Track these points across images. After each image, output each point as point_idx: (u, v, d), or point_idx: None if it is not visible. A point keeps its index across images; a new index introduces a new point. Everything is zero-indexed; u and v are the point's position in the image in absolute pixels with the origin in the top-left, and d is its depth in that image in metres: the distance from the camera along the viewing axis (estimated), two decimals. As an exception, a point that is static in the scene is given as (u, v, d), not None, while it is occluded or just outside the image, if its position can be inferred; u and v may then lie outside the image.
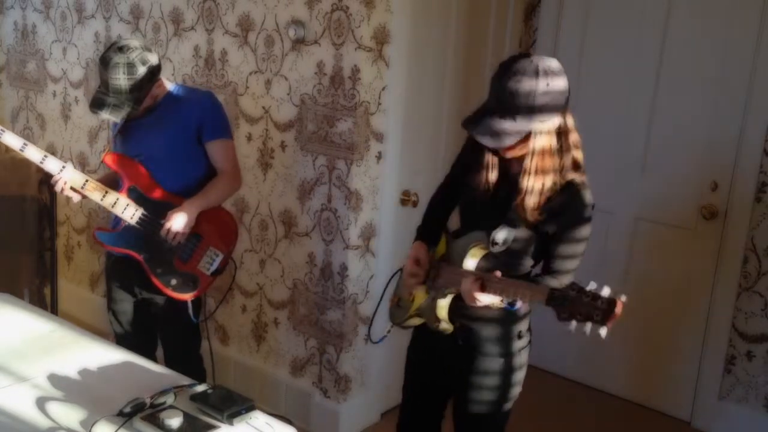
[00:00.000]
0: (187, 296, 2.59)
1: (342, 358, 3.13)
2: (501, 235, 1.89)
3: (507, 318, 2.05)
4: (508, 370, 2.09)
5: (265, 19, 3.13)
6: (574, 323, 1.63)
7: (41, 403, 1.86)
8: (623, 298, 1.59)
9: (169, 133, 2.57)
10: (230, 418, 1.76)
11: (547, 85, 1.79)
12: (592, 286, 1.60)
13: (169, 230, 2.49)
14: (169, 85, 2.64)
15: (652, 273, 3.51)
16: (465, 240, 2.00)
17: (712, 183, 3.27)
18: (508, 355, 2.07)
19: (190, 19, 3.41)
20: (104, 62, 2.43)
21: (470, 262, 1.95)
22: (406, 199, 3.17)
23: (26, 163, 3.43)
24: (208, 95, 2.68)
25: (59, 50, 4.13)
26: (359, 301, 3.12)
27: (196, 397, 1.84)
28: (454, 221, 2.19)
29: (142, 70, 2.44)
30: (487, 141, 1.84)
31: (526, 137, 1.84)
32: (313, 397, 3.24)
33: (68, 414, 1.81)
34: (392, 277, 2.31)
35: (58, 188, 2.53)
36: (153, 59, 2.49)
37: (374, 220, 3.10)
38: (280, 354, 3.35)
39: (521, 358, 2.11)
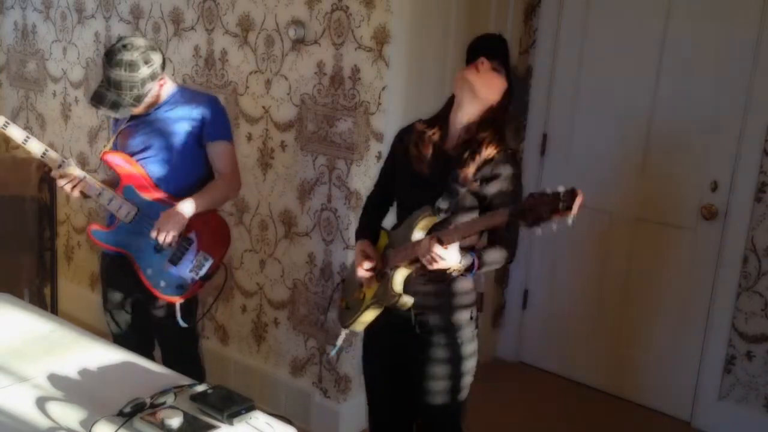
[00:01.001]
0: (176, 299, 2.58)
1: (342, 358, 3.13)
2: (444, 201, 1.99)
3: (456, 304, 2.11)
4: (459, 358, 2.14)
5: (265, 19, 3.13)
6: (540, 227, 1.70)
7: (41, 403, 1.86)
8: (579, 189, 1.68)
9: (171, 133, 2.57)
10: (230, 418, 1.76)
11: None
12: (548, 190, 1.69)
13: (159, 230, 2.47)
14: (174, 86, 2.64)
15: (652, 273, 3.51)
16: (410, 218, 2.07)
17: (712, 183, 3.27)
18: (459, 342, 2.13)
19: (190, 19, 3.41)
20: (108, 57, 2.45)
21: (419, 234, 2.01)
22: (406, 199, 3.17)
23: (26, 163, 3.43)
24: (212, 98, 2.69)
25: (59, 50, 4.13)
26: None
27: (196, 397, 1.84)
28: (388, 222, 2.28)
29: (144, 69, 2.44)
30: None
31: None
32: (313, 397, 3.24)
33: (68, 414, 1.81)
34: (336, 287, 2.40)
35: (60, 184, 2.53)
36: (157, 59, 2.50)
37: (374, 220, 3.10)
38: (280, 354, 3.35)
39: (473, 346, 2.17)
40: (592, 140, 3.62)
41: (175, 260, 2.55)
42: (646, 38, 3.38)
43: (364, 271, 2.15)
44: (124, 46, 2.45)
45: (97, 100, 2.47)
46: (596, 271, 3.67)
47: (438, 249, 1.86)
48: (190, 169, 2.62)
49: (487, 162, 2.03)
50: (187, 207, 2.51)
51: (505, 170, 2.05)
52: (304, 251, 3.17)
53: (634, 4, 3.41)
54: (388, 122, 3.02)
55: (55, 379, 1.98)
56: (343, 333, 2.29)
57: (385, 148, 3.04)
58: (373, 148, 2.98)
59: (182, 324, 2.59)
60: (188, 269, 2.55)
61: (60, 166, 2.52)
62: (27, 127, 4.35)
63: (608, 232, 3.61)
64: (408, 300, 2.06)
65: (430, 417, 2.23)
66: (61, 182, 2.53)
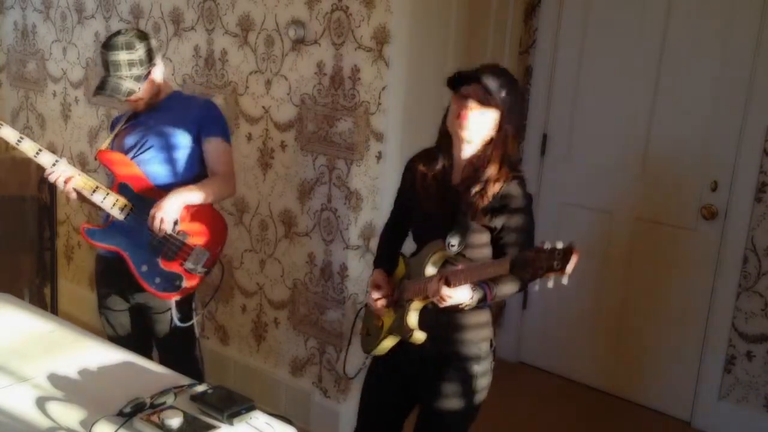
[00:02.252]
0: (172, 296, 2.56)
1: (342, 358, 3.13)
2: (455, 236, 1.97)
3: (471, 327, 2.09)
4: (473, 378, 2.11)
5: (265, 19, 3.13)
6: (538, 282, 1.70)
7: (41, 403, 1.86)
8: (576, 246, 1.67)
9: (167, 133, 2.57)
10: (230, 418, 1.76)
11: None
12: (547, 245, 1.68)
13: (154, 216, 2.46)
14: (172, 88, 2.68)
15: (652, 273, 3.51)
16: (422, 252, 2.06)
17: (712, 183, 3.27)
18: (474, 361, 2.10)
19: (190, 19, 3.41)
20: (105, 45, 2.53)
21: (431, 269, 2.01)
22: (406, 199, 3.17)
23: (26, 163, 3.43)
24: (209, 101, 2.73)
25: (59, 50, 4.14)
26: (359, 301, 3.12)
27: (196, 397, 1.84)
28: (408, 248, 2.25)
29: (140, 46, 2.52)
30: None
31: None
32: (313, 397, 3.24)
33: (68, 414, 1.81)
34: (358, 312, 2.38)
35: (52, 179, 2.54)
36: (151, 40, 2.59)
37: (374, 220, 3.10)
38: (280, 354, 3.35)
39: (486, 379, 2.15)
40: (592, 140, 3.62)
41: (170, 256, 2.54)
42: (646, 38, 3.38)
43: (376, 303, 2.15)
44: (119, 32, 2.56)
45: (99, 87, 2.52)
46: (596, 271, 3.67)
47: (446, 290, 1.86)
48: (186, 169, 2.62)
49: (491, 195, 1.99)
50: (181, 194, 2.51)
51: (514, 202, 2.00)
52: (304, 251, 3.17)
53: (634, 4, 3.41)
54: (388, 122, 3.02)
55: (55, 379, 1.98)
56: (365, 357, 2.30)
57: (385, 147, 3.05)
58: (373, 148, 2.98)
59: (178, 323, 2.59)
60: (184, 264, 2.54)
61: (53, 166, 2.53)
62: (27, 127, 4.35)
63: (608, 232, 3.61)
64: (421, 336, 2.05)
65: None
66: (52, 177, 2.54)
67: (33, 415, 1.81)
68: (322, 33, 2.95)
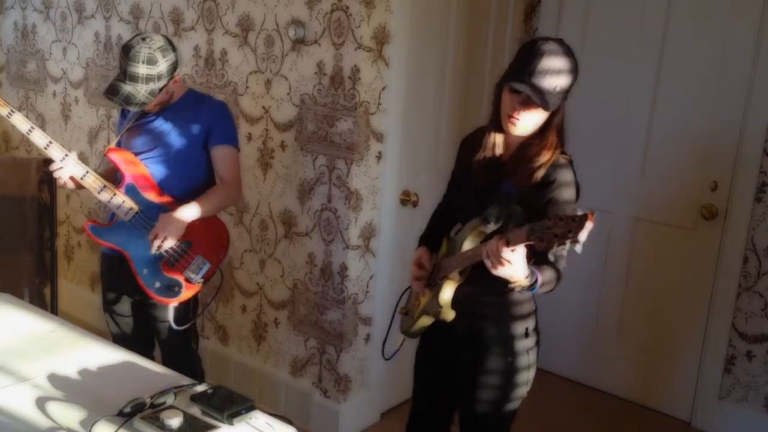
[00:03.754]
0: (170, 301, 2.57)
1: (342, 358, 3.13)
2: (493, 213, 1.92)
3: (513, 315, 2.06)
4: (513, 370, 2.08)
5: (265, 19, 3.13)
6: (554, 249, 1.66)
7: (41, 403, 1.86)
8: (594, 214, 1.63)
9: (176, 135, 2.57)
10: (230, 418, 1.76)
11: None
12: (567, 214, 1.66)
13: (157, 235, 2.46)
14: (185, 88, 2.65)
15: (652, 273, 3.51)
16: (462, 230, 2.03)
17: (712, 183, 3.27)
18: (513, 354, 2.07)
19: (190, 19, 3.41)
20: (126, 50, 2.44)
21: (468, 245, 1.97)
22: (406, 198, 3.17)
23: (26, 163, 3.43)
24: (221, 104, 2.69)
25: (59, 50, 4.13)
26: (359, 301, 3.12)
27: (196, 397, 1.84)
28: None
29: (162, 63, 2.44)
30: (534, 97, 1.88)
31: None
32: (313, 397, 3.24)
33: (68, 414, 1.81)
34: (403, 293, 2.35)
35: (57, 175, 2.53)
36: (174, 55, 2.51)
37: (374, 220, 3.10)
38: (280, 354, 3.35)
39: (528, 359, 2.10)
40: (592, 140, 3.61)
41: (171, 263, 2.54)
42: (646, 38, 3.38)
43: (416, 282, 2.15)
44: (143, 39, 2.46)
45: (112, 92, 2.47)
46: (596, 271, 3.67)
47: (506, 252, 1.76)
48: (193, 173, 2.61)
49: (540, 168, 1.95)
50: (186, 213, 2.50)
51: (561, 176, 1.95)
52: (304, 251, 3.17)
53: (634, 4, 3.41)
54: (388, 122, 3.02)
55: (55, 379, 1.98)
56: (402, 338, 2.29)
57: (385, 148, 3.05)
58: (373, 148, 2.98)
59: (174, 327, 2.58)
60: (184, 272, 2.54)
61: (63, 160, 2.51)
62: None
63: (608, 232, 3.61)
64: (450, 314, 2.04)
65: (477, 426, 2.18)
66: (59, 174, 2.52)
67: (33, 415, 1.81)
68: (322, 33, 2.95)
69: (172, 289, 2.55)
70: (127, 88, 2.45)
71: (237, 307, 3.48)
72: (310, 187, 3.10)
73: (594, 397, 3.70)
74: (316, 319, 3.18)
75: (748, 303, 3.24)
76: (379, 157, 3.03)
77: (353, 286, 3.08)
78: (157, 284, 2.55)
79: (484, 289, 2.02)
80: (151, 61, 2.42)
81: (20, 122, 2.52)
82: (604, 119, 3.56)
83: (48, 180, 3.34)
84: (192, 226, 2.52)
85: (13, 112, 2.51)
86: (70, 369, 2.04)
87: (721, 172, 3.25)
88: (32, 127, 2.52)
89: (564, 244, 1.62)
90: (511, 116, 1.93)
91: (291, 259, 3.23)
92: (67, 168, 2.51)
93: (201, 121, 2.57)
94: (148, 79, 2.44)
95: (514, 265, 1.78)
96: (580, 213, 1.61)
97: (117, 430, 1.71)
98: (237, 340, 3.52)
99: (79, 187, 2.57)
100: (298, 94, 3.07)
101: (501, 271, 1.80)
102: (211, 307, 3.55)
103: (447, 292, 2.03)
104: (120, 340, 2.73)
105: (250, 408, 1.81)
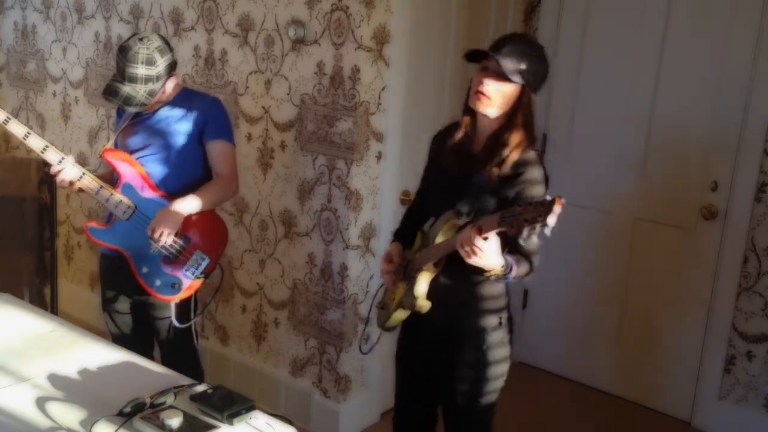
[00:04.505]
0: (171, 298, 2.57)
1: (342, 358, 3.13)
2: (465, 204, 1.98)
3: (487, 309, 2.09)
4: (487, 363, 2.12)
5: (265, 19, 3.13)
6: (524, 233, 1.69)
7: (41, 403, 1.86)
8: (562, 199, 1.68)
9: (172, 133, 2.57)
10: (230, 418, 1.76)
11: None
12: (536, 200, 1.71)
13: (155, 229, 2.46)
14: (180, 86, 2.65)
15: (652, 273, 3.51)
16: (435, 223, 2.07)
17: (712, 183, 3.27)
18: (487, 347, 2.11)
19: (190, 19, 3.41)
20: (124, 51, 2.45)
21: (441, 238, 2.01)
22: (406, 198, 3.17)
23: (26, 163, 3.43)
24: (215, 99, 2.70)
25: (59, 50, 4.13)
26: (359, 301, 3.12)
27: (196, 397, 1.84)
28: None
29: (160, 64, 2.45)
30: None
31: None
32: (313, 397, 3.24)
33: (68, 414, 1.81)
34: (379, 288, 2.39)
35: (58, 179, 2.53)
36: (171, 55, 2.52)
37: (374, 220, 3.10)
38: (280, 354, 3.35)
39: (502, 351, 2.14)
40: (592, 140, 3.62)
41: (170, 259, 2.55)
42: (646, 38, 3.38)
43: (387, 276, 2.19)
44: (141, 40, 2.46)
45: (110, 93, 2.47)
46: (596, 271, 3.67)
47: (479, 240, 1.79)
48: (190, 170, 2.61)
49: (510, 155, 2.00)
50: (183, 206, 2.50)
51: (529, 173, 2.00)
52: (304, 251, 3.17)
53: (634, 4, 3.41)
54: (388, 122, 3.02)
55: (55, 379, 1.98)
56: (378, 332, 2.32)
57: (385, 148, 3.05)
58: (373, 148, 2.98)
59: (176, 324, 2.59)
60: (184, 268, 2.54)
61: (59, 163, 2.52)
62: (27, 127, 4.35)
63: (608, 232, 3.61)
64: (426, 305, 2.06)
65: (456, 420, 2.21)
66: (58, 179, 2.54)
67: (33, 415, 1.81)
68: (322, 33, 2.95)
69: (173, 286, 2.55)
70: (126, 89, 2.45)
71: (237, 307, 3.48)
72: (310, 187, 3.10)
73: (594, 396, 3.70)
74: (316, 319, 3.18)
75: (748, 303, 3.24)
76: (379, 157, 3.03)
77: (353, 286, 3.08)
78: (158, 282, 2.56)
79: (459, 280, 2.06)
80: (149, 62, 2.43)
81: (16, 128, 2.53)
82: (604, 119, 3.56)
83: (48, 180, 3.34)
84: (189, 221, 2.53)
85: (9, 119, 2.52)
86: (70, 369, 2.04)
87: (721, 172, 3.25)
88: (28, 132, 2.53)
89: (534, 228, 1.66)
90: (478, 91, 1.99)
91: (291, 259, 3.23)
92: (65, 171, 2.52)
93: (194, 117, 2.57)
94: (147, 79, 2.44)
95: (487, 253, 1.82)
96: (548, 198, 1.66)
97: (117, 430, 1.71)
98: (237, 340, 3.52)
99: (81, 190, 2.58)
100: (298, 94, 3.07)
101: (475, 260, 1.84)
102: (210, 307, 3.55)
103: (422, 284, 2.06)
104: (120, 340, 2.73)
105: (250, 408, 1.81)
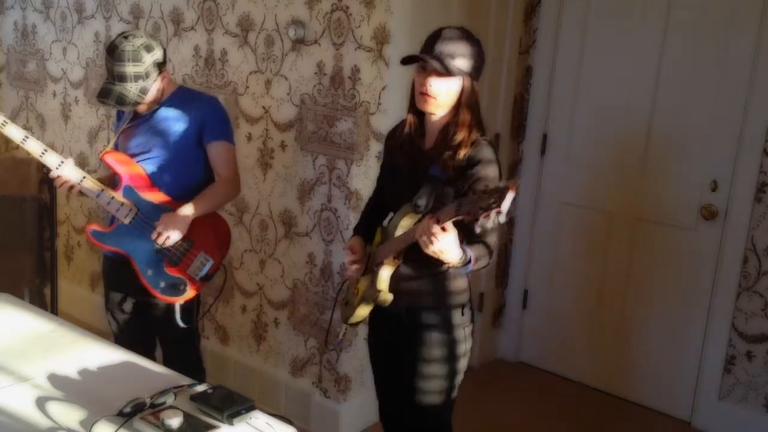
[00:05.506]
0: (175, 300, 2.57)
1: (342, 358, 3.13)
2: (422, 197, 2.00)
3: (449, 304, 2.13)
4: (449, 357, 2.15)
5: (265, 19, 3.13)
6: (480, 221, 1.72)
7: (41, 403, 1.86)
8: (517, 182, 1.72)
9: (171, 134, 2.56)
10: (230, 418, 1.76)
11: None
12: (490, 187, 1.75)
13: (160, 233, 2.47)
14: (176, 85, 2.65)
15: (652, 273, 3.51)
16: (394, 217, 2.10)
17: (712, 183, 3.27)
18: (449, 342, 2.14)
19: (190, 19, 3.41)
20: (110, 51, 2.45)
21: (402, 230, 2.04)
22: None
23: (26, 163, 3.42)
24: (213, 99, 2.69)
25: (59, 50, 4.14)
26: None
27: (196, 397, 1.84)
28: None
29: (147, 59, 2.45)
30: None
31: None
32: (313, 397, 3.24)
33: (68, 414, 1.81)
34: (343, 283, 2.41)
35: (58, 184, 2.53)
36: (158, 48, 2.51)
37: (374, 220, 3.10)
38: (280, 354, 3.35)
39: (464, 346, 2.18)
40: (592, 140, 3.62)
41: (174, 261, 2.55)
42: (646, 38, 3.38)
43: (350, 269, 2.23)
44: (126, 38, 2.46)
45: (103, 95, 2.47)
46: (596, 271, 3.67)
47: (437, 229, 1.81)
48: (190, 171, 2.61)
49: (461, 147, 2.04)
50: (188, 210, 2.51)
51: (482, 154, 2.03)
52: (304, 251, 3.17)
53: (634, 4, 3.41)
54: (388, 122, 3.01)
55: (55, 379, 1.98)
56: (343, 327, 2.36)
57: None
58: (373, 148, 2.98)
59: (181, 324, 2.59)
60: (188, 270, 2.55)
61: (59, 167, 2.51)
62: (27, 127, 4.35)
63: (608, 232, 3.61)
64: (388, 297, 2.09)
65: (417, 413, 2.23)
66: (58, 183, 2.53)
67: (33, 415, 1.81)
68: (322, 33, 2.95)
69: (177, 287, 2.56)
70: (118, 88, 2.45)
71: (237, 307, 3.49)
72: (310, 187, 3.10)
73: (594, 396, 3.70)
74: (316, 319, 3.18)
75: (748, 303, 3.24)
76: (379, 157, 3.03)
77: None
78: (162, 284, 2.56)
79: (420, 270, 2.09)
80: (136, 59, 2.43)
81: (14, 132, 2.52)
82: (604, 119, 3.56)
83: (48, 180, 3.34)
84: (193, 224, 2.53)
85: (6, 122, 2.51)
86: (70, 369, 2.04)
87: (721, 172, 3.25)
88: (26, 136, 2.52)
89: (489, 215, 1.69)
90: (422, 92, 2.03)
91: (291, 259, 3.23)
92: (65, 174, 2.52)
93: (192, 118, 2.56)
94: (137, 77, 2.44)
95: (446, 243, 1.84)
96: (502, 185, 1.69)
97: (117, 430, 1.71)
98: (237, 340, 3.52)
99: (82, 193, 2.58)
100: (298, 94, 3.07)
101: (434, 249, 1.85)
102: (211, 307, 3.55)
103: (384, 276, 2.09)
104: (122, 340, 2.73)
105: (250, 408, 1.81)
